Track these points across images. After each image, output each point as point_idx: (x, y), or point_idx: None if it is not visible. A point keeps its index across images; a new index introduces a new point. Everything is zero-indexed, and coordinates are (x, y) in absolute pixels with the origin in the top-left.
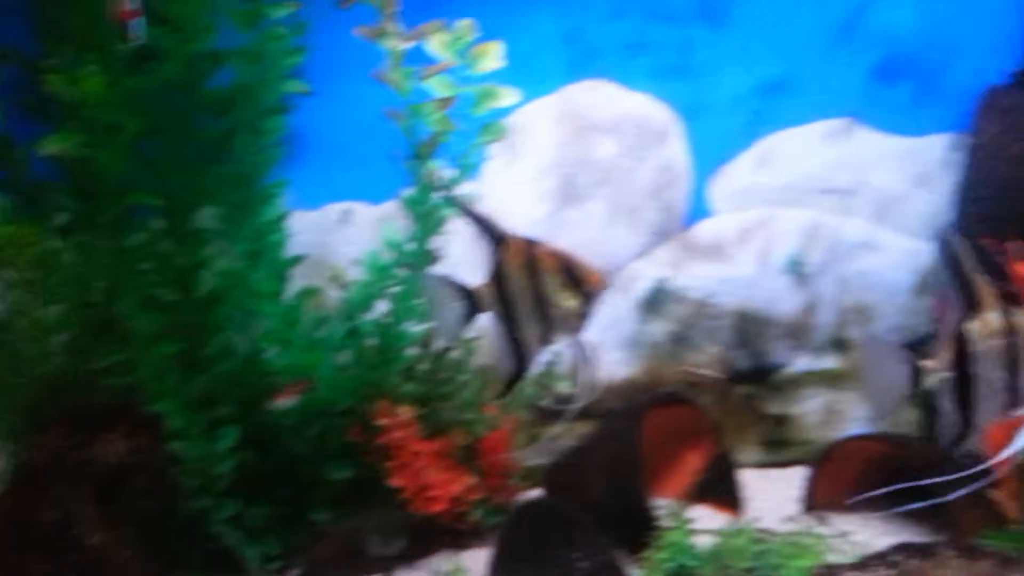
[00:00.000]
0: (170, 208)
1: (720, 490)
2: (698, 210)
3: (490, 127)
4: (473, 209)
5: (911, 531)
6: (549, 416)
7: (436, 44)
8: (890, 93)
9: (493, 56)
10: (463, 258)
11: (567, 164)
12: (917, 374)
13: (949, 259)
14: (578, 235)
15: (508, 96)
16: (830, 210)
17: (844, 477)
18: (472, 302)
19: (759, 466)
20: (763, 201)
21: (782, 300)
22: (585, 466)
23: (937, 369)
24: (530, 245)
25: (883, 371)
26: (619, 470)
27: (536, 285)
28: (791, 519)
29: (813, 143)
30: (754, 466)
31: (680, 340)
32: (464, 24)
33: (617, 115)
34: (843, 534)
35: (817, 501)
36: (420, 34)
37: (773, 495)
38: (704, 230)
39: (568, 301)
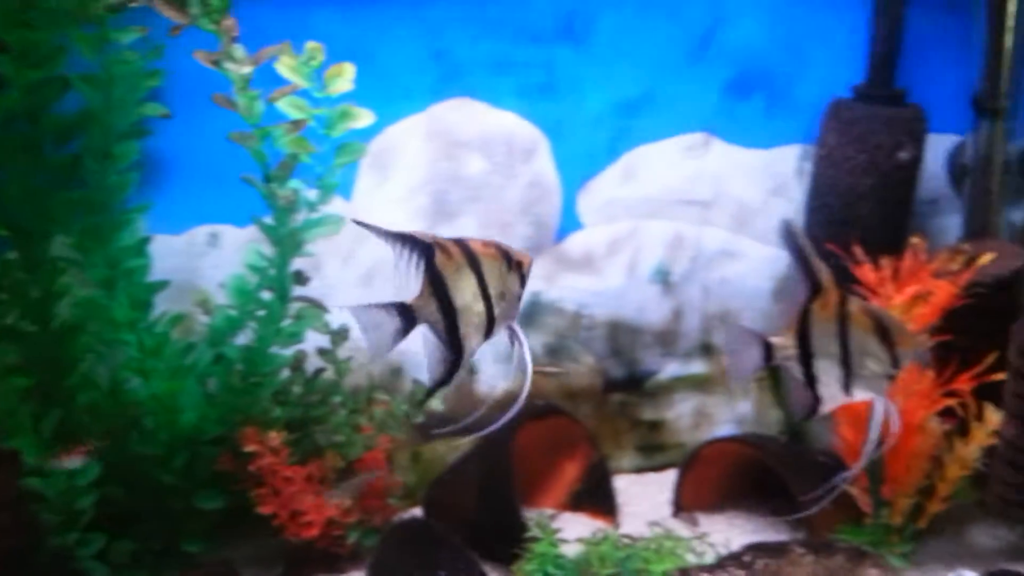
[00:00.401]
0: (21, 237)
1: (596, 498)
2: (568, 224)
3: (348, 147)
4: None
5: (773, 530)
6: (427, 434)
7: (285, 67)
8: (743, 107)
9: (346, 78)
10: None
11: (438, 181)
12: (769, 352)
13: (790, 245)
14: None
15: (365, 117)
16: (692, 221)
17: (709, 479)
18: (407, 317)
19: (636, 471)
20: (629, 214)
21: (651, 309)
22: (461, 482)
23: (786, 347)
24: (463, 244)
25: (742, 353)
26: (493, 485)
27: (479, 278)
28: (655, 524)
29: (673, 157)
30: (631, 471)
31: (556, 351)
32: (312, 46)
33: (485, 133)
34: (703, 536)
35: (685, 503)
36: (262, 58)
37: (648, 499)
38: (575, 243)
39: (511, 287)
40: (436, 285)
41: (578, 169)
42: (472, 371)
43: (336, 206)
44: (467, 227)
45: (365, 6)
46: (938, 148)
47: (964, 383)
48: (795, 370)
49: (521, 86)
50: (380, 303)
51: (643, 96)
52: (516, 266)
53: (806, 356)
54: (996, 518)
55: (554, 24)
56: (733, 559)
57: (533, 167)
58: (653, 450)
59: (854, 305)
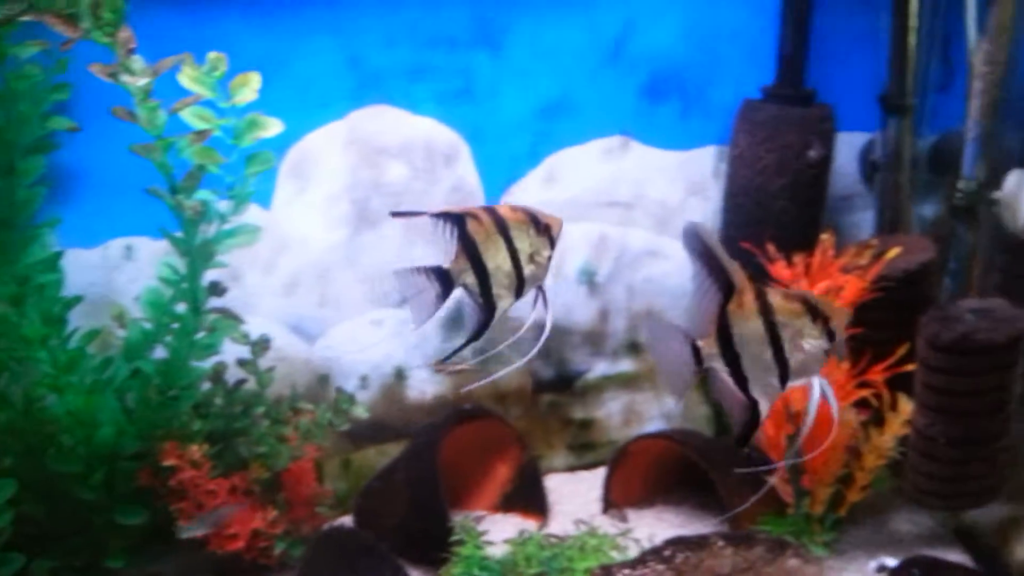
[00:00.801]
0: None
1: (527, 498)
2: None
3: (258, 157)
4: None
5: (700, 523)
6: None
7: (187, 77)
8: (660, 110)
9: (251, 88)
10: None
11: (360, 188)
12: (698, 355)
13: (697, 248)
14: (376, 258)
15: (273, 126)
16: (615, 222)
17: (637, 475)
18: (445, 280)
19: (569, 469)
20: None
21: (578, 310)
22: (389, 489)
23: (709, 351)
24: (493, 211)
25: (669, 352)
26: (420, 490)
27: (509, 243)
28: (581, 522)
29: (593, 160)
30: (564, 470)
31: (485, 354)
32: (215, 56)
33: (405, 139)
34: (626, 532)
35: (615, 500)
36: (161, 69)
37: (580, 497)
38: None
39: (539, 249)
40: (469, 250)
41: (501, 173)
42: (402, 376)
43: (254, 215)
44: (391, 234)
45: (279, 14)
46: (850, 146)
47: (877, 374)
48: (724, 375)
49: (439, 92)
50: (420, 267)
51: (561, 101)
52: (545, 229)
53: (733, 360)
54: (913, 506)
55: (470, 30)
56: (654, 554)
57: (455, 172)
58: (584, 448)
59: (775, 295)
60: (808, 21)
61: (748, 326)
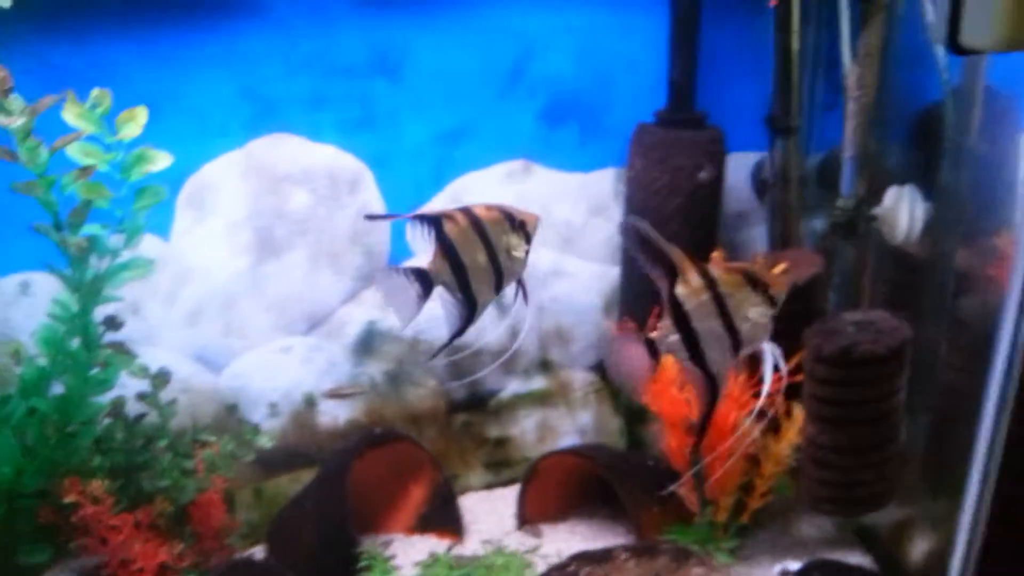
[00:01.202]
0: None
1: (443, 519)
2: (400, 252)
3: (148, 191)
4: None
5: (612, 535)
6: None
7: (71, 114)
8: (559, 134)
9: (137, 122)
10: None
11: (262, 217)
12: (653, 347)
13: (638, 240)
14: (282, 286)
15: (162, 159)
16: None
17: (550, 491)
18: (425, 281)
19: (486, 488)
20: None
21: (488, 330)
22: (300, 516)
23: (665, 334)
24: (468, 211)
25: (624, 356)
26: (329, 517)
27: (485, 241)
28: (488, 542)
29: (497, 183)
30: (481, 488)
31: (397, 378)
32: (98, 93)
33: (306, 167)
34: (535, 549)
35: (529, 516)
36: (40, 108)
37: (496, 515)
38: None
39: (516, 245)
40: (447, 250)
41: (405, 199)
42: (312, 403)
43: (153, 247)
44: (296, 260)
45: (176, 47)
46: (743, 165)
47: (772, 384)
48: (683, 357)
49: (339, 120)
50: (400, 267)
51: (462, 127)
52: (520, 226)
53: (690, 340)
54: (809, 512)
55: (368, 59)
56: (559, 570)
57: (359, 198)
58: (501, 466)
59: (716, 270)
60: (695, 48)
61: (699, 302)
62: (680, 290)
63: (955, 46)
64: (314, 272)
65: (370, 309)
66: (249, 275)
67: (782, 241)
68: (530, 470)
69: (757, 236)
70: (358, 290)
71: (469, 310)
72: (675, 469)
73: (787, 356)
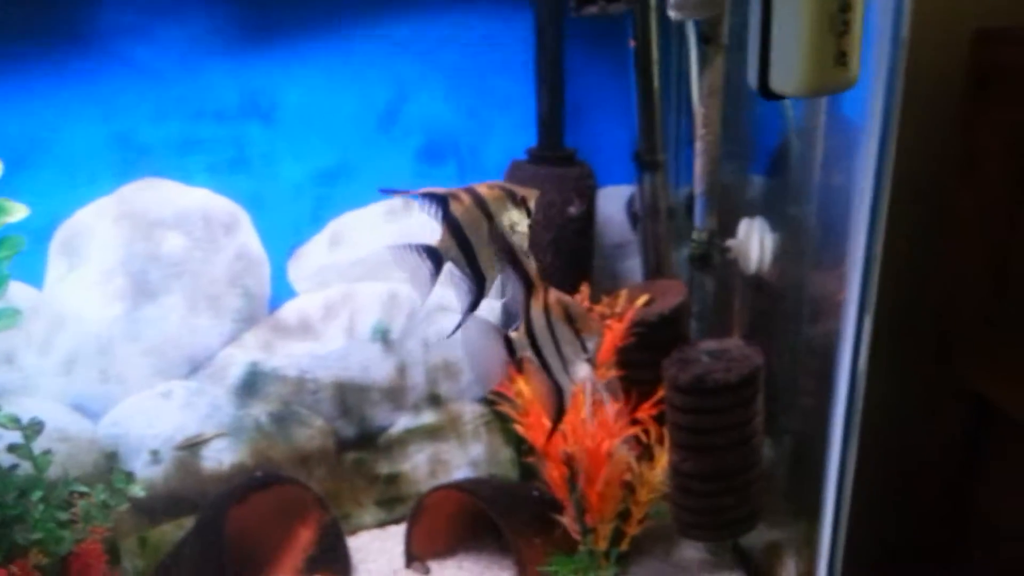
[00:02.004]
0: None
1: (331, 560)
2: (281, 293)
3: (7, 242)
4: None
5: (499, 568)
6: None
7: None
8: (438, 172)
9: None
10: None
11: (136, 262)
12: (511, 346)
13: (503, 248)
14: (159, 330)
15: (19, 211)
16: (404, 280)
17: (438, 526)
18: (435, 258)
19: (379, 525)
20: (342, 278)
21: (375, 367)
22: (180, 565)
23: (521, 341)
24: (472, 191)
25: (481, 346)
26: (207, 565)
27: (488, 217)
28: None
29: (377, 222)
30: (374, 526)
31: (283, 419)
32: None
33: (180, 210)
34: None
35: (417, 553)
36: None
37: (387, 553)
38: (290, 311)
39: (518, 220)
40: (453, 228)
41: (284, 239)
42: (200, 443)
43: (26, 296)
44: (173, 304)
45: (42, 96)
46: (619, 198)
47: (644, 412)
48: (536, 363)
49: (211, 163)
50: (411, 244)
51: (339, 166)
52: (521, 202)
53: (536, 349)
54: (680, 537)
55: (239, 102)
56: None
57: (237, 240)
58: (393, 503)
59: (551, 296)
60: (561, 87)
61: (540, 320)
62: (532, 305)
63: (765, 91)
64: (192, 315)
65: (252, 351)
66: (125, 320)
67: (655, 270)
68: (416, 506)
69: (635, 266)
70: (239, 332)
71: (478, 284)
72: (559, 499)
73: (656, 384)
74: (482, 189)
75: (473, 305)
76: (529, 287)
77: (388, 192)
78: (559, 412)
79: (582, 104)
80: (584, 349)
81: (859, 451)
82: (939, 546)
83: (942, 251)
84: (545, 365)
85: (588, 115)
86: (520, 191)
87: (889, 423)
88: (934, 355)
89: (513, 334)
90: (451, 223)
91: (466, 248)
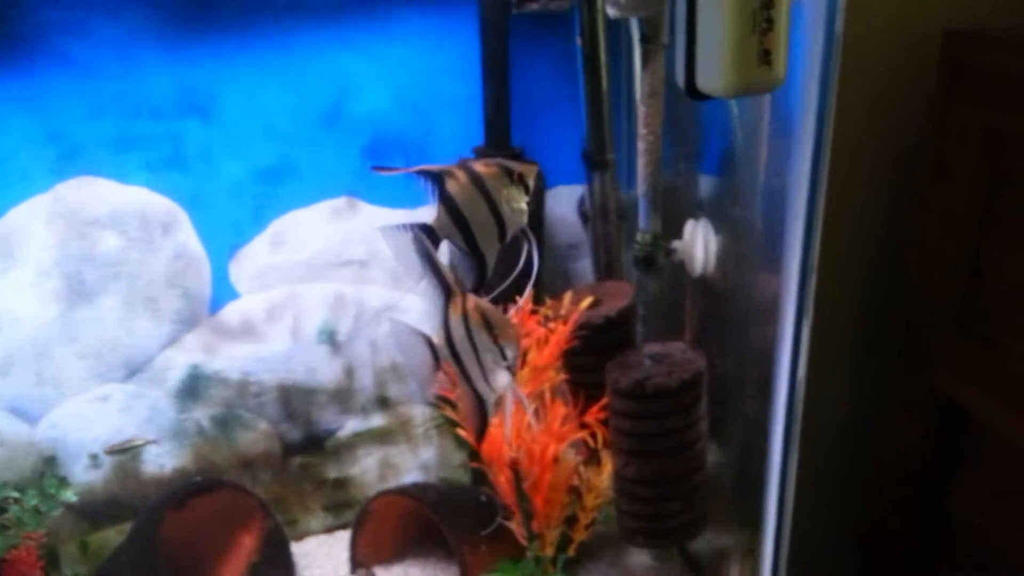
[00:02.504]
0: None
1: (274, 566)
2: (223, 294)
3: None
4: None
5: (444, 575)
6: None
7: None
8: None
9: None
10: None
11: (71, 262)
12: (435, 352)
13: (421, 252)
14: (96, 332)
15: None
16: (350, 281)
17: (384, 531)
18: (432, 236)
19: (327, 531)
20: (285, 279)
21: (321, 369)
22: (116, 571)
23: (440, 347)
24: (468, 168)
25: (411, 352)
26: (142, 571)
27: (485, 195)
28: None
29: (321, 221)
30: (322, 531)
31: (226, 423)
32: None
33: (116, 209)
34: None
35: (362, 559)
36: None
37: (333, 558)
38: (232, 312)
39: (516, 197)
40: (449, 206)
41: (224, 239)
42: (135, 453)
43: None
44: (110, 305)
45: None
46: (570, 198)
47: (591, 416)
48: (456, 371)
49: (148, 161)
50: (406, 224)
51: (281, 165)
52: (519, 178)
53: (456, 357)
54: (624, 543)
55: (176, 99)
56: None
57: (175, 239)
58: (342, 507)
59: (470, 302)
60: (506, 85)
61: (459, 327)
62: (450, 312)
63: (693, 91)
64: (130, 317)
65: (193, 353)
66: (61, 322)
67: (606, 271)
68: (361, 511)
69: (588, 267)
70: (179, 334)
71: (479, 263)
72: (506, 504)
73: (603, 388)
74: (479, 166)
75: (476, 286)
76: (447, 294)
77: (381, 170)
78: (482, 422)
79: (531, 102)
80: (504, 357)
81: (830, 455)
82: (910, 552)
83: (916, 254)
84: (465, 374)
85: (537, 114)
86: (517, 167)
87: (862, 428)
88: (907, 360)
89: (436, 340)
90: (447, 201)
91: (463, 227)
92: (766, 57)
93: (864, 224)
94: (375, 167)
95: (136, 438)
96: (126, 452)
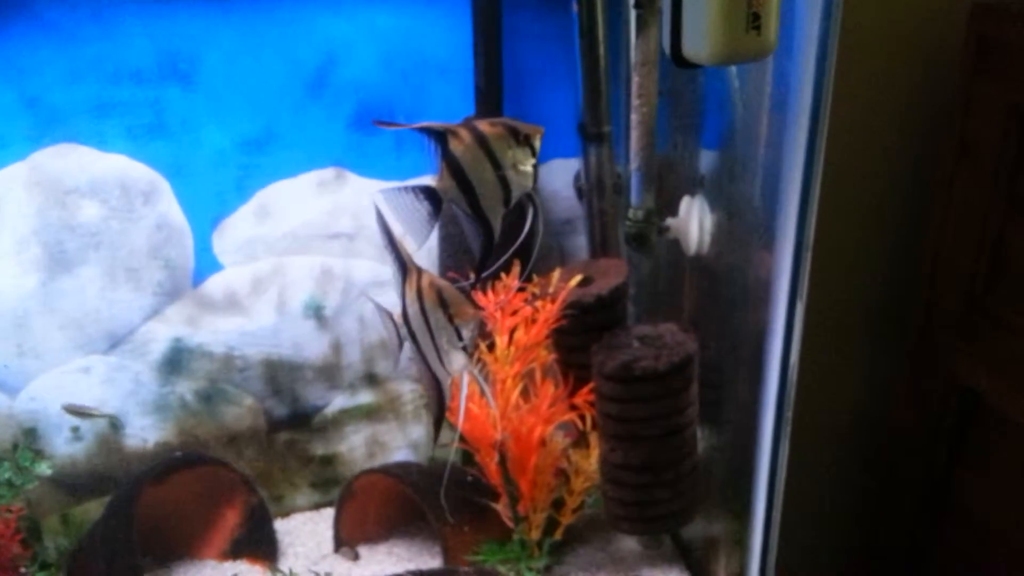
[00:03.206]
0: None
1: (257, 542)
2: (206, 266)
3: None
4: None
5: (429, 555)
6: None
7: None
8: (372, 142)
9: None
10: None
11: (50, 231)
12: (397, 328)
13: (381, 226)
14: (77, 303)
15: None
16: (338, 254)
17: (369, 510)
18: (434, 199)
19: (313, 507)
20: (270, 251)
21: (308, 344)
22: (92, 547)
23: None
24: (473, 127)
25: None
26: (117, 547)
27: (490, 156)
28: (278, 570)
29: (308, 192)
30: (308, 508)
31: (210, 397)
32: None
33: (96, 177)
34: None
35: (346, 537)
36: None
37: (318, 536)
38: (215, 285)
39: (521, 159)
40: (453, 167)
41: (208, 209)
42: (117, 426)
43: None
44: (90, 275)
45: None
46: (568, 172)
47: (581, 398)
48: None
49: (129, 128)
50: (407, 186)
51: (266, 134)
52: (525, 139)
53: (412, 335)
54: (611, 529)
55: (157, 64)
56: None
57: (157, 209)
58: (329, 484)
59: (425, 279)
60: (498, 54)
61: (414, 306)
62: (407, 289)
63: (679, 59)
64: (111, 288)
65: (176, 326)
66: (41, 292)
67: (601, 247)
68: (345, 490)
69: (584, 243)
70: (161, 306)
71: (485, 226)
72: (493, 486)
73: (591, 369)
74: (483, 126)
75: (484, 251)
76: (404, 270)
77: (382, 124)
78: (439, 405)
79: (524, 72)
80: (459, 337)
81: (841, 438)
82: (922, 537)
83: (936, 234)
84: (420, 353)
85: (531, 83)
86: (524, 128)
87: (874, 412)
88: (923, 344)
89: (397, 318)
90: (451, 162)
91: (467, 189)
92: (755, 22)
93: (883, 203)
94: (376, 121)
95: (94, 410)
96: (81, 416)
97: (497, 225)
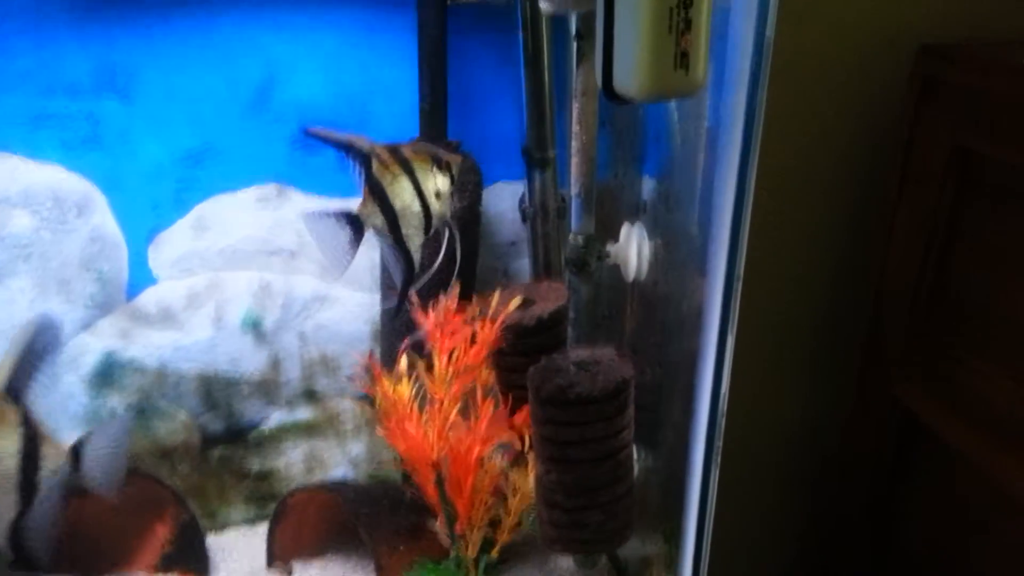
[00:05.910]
0: None
1: (187, 558)
2: (140, 279)
3: None
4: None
5: (363, 572)
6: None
7: None
8: (315, 159)
9: None
10: None
11: None
12: (356, 224)
13: (321, 138)
14: (6, 314)
15: None
16: (278, 270)
17: (305, 526)
18: (355, 224)
19: (249, 523)
20: (207, 266)
21: (245, 360)
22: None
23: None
24: (397, 151)
25: (335, 236)
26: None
27: (414, 182)
28: None
29: (248, 208)
30: (244, 523)
31: (143, 411)
32: None
33: (27, 187)
34: None
35: (280, 553)
36: None
37: (251, 552)
38: (150, 298)
39: (442, 187)
40: (376, 192)
41: (143, 222)
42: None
43: None
44: (21, 287)
45: None
46: (511, 195)
47: (520, 419)
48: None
49: (64, 139)
50: (329, 211)
51: (205, 148)
52: (446, 166)
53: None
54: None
55: (94, 77)
56: None
57: (91, 221)
58: (266, 500)
59: (386, 154)
60: (443, 77)
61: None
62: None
63: (610, 93)
64: (42, 300)
65: (108, 339)
66: None
67: (545, 270)
68: (280, 506)
69: (528, 265)
70: (93, 319)
71: (405, 255)
72: (430, 504)
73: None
74: (406, 150)
75: (406, 280)
76: (368, 162)
77: (312, 135)
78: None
79: (470, 95)
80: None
81: (780, 464)
82: (861, 561)
83: (879, 263)
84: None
85: (476, 108)
86: (445, 155)
87: (817, 438)
88: (866, 372)
89: (357, 210)
90: (373, 186)
91: (389, 215)
92: (683, 60)
93: (829, 229)
94: (307, 130)
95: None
96: None
97: (416, 254)
